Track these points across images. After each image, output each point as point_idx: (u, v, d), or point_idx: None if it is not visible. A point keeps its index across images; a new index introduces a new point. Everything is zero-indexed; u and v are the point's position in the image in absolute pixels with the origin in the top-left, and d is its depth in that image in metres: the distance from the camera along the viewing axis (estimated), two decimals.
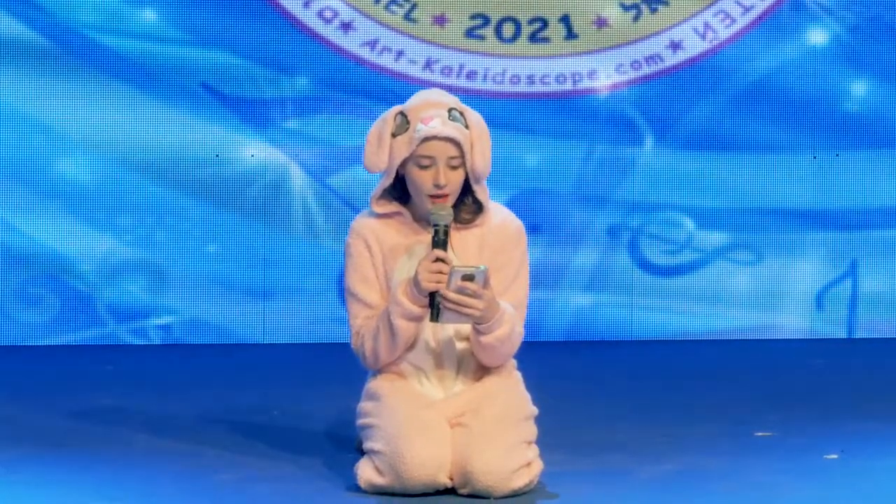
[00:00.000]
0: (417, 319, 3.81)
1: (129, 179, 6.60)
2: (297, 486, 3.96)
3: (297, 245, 6.64)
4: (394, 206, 3.92)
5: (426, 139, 3.79)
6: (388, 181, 3.87)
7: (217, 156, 6.60)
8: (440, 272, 3.74)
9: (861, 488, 3.92)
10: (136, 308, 6.61)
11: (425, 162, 3.81)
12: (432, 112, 3.83)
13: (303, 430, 4.68)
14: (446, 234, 3.80)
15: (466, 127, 3.86)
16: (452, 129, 3.81)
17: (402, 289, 3.80)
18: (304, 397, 5.26)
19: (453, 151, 3.81)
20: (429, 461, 3.75)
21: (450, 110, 3.86)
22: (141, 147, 6.58)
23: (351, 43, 6.76)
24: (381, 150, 3.84)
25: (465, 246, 3.91)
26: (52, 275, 6.55)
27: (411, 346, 3.92)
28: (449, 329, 3.90)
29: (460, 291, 3.72)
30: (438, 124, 3.80)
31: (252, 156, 6.60)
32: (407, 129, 3.82)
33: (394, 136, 3.84)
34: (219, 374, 5.81)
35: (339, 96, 6.58)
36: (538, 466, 3.89)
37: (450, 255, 3.83)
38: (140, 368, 5.96)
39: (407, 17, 6.72)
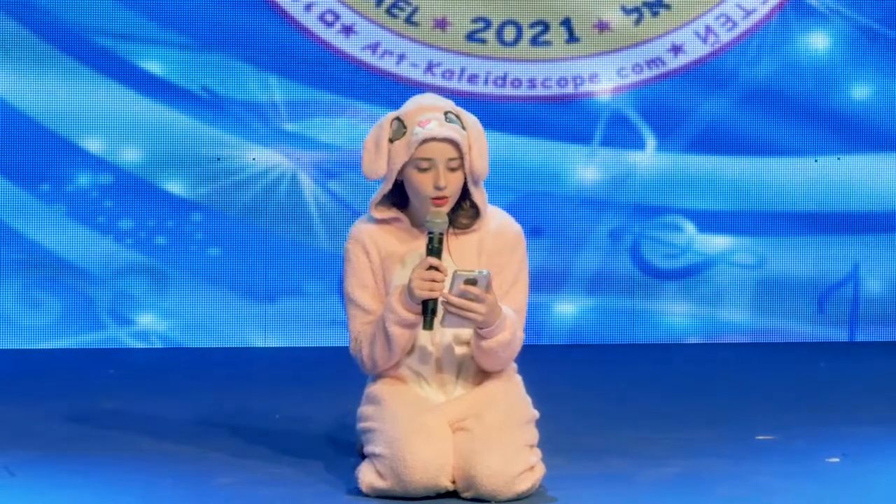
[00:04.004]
0: (412, 326, 3.82)
1: (129, 182, 6.60)
2: (298, 489, 3.96)
3: (298, 248, 6.64)
4: (393, 212, 3.92)
5: (425, 141, 3.80)
6: (387, 187, 3.88)
7: (218, 159, 6.61)
8: (433, 280, 3.74)
9: (863, 492, 3.92)
10: (137, 311, 6.62)
11: (425, 165, 3.81)
12: (429, 115, 3.83)
13: (304, 433, 4.68)
14: (440, 241, 3.80)
15: (463, 129, 3.87)
16: (450, 131, 3.81)
17: (397, 296, 3.80)
18: (305, 401, 5.26)
19: (452, 153, 3.82)
20: (430, 464, 3.75)
21: (445, 113, 3.86)
22: (142, 150, 6.59)
23: (352, 46, 6.76)
24: (379, 156, 3.84)
25: (464, 251, 3.91)
26: (54, 278, 6.55)
27: (411, 351, 3.92)
28: (448, 334, 3.90)
29: (462, 296, 3.72)
30: (436, 126, 3.81)
31: (254, 159, 6.60)
32: (404, 133, 3.82)
33: (391, 141, 3.84)
34: (220, 377, 5.81)
35: (341, 100, 6.58)
36: (540, 470, 3.89)
37: (448, 260, 3.83)
38: (141, 372, 5.96)
39: (408, 20, 6.72)
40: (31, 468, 4.20)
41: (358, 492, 3.85)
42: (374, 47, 6.60)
